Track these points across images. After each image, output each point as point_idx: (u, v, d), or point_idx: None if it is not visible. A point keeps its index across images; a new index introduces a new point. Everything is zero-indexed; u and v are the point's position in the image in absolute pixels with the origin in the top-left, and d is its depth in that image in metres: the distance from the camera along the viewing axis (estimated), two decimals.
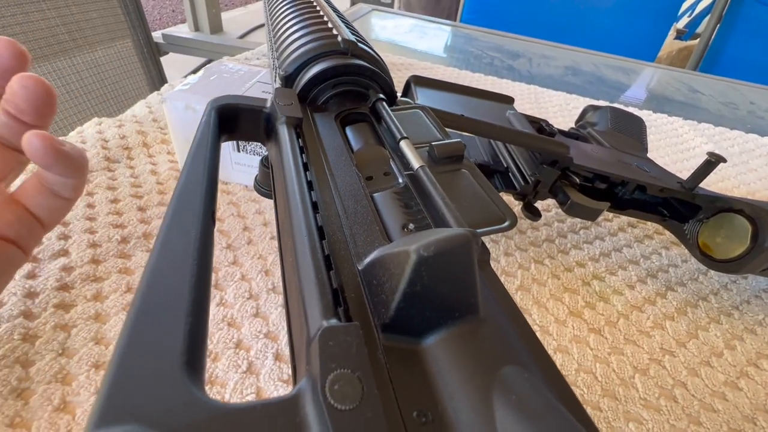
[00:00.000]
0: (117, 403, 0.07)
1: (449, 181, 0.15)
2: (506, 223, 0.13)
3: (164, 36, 0.99)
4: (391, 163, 0.16)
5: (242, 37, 1.44)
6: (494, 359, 0.09)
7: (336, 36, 0.21)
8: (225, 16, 1.55)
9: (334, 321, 0.09)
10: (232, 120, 0.17)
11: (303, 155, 0.15)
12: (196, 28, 1.50)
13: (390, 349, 0.09)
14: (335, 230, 0.12)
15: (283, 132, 0.16)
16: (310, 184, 0.13)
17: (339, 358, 0.08)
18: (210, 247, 0.11)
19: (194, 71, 0.36)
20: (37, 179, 0.19)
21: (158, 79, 0.94)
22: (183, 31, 1.15)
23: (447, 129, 0.22)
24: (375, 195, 0.14)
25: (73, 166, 0.18)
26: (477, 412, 0.08)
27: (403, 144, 0.15)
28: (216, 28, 1.53)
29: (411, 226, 0.13)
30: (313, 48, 0.20)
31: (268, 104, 0.17)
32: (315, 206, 0.13)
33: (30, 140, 0.17)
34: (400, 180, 0.15)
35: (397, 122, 0.17)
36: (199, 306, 0.09)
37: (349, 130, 0.18)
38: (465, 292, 0.09)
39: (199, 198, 0.12)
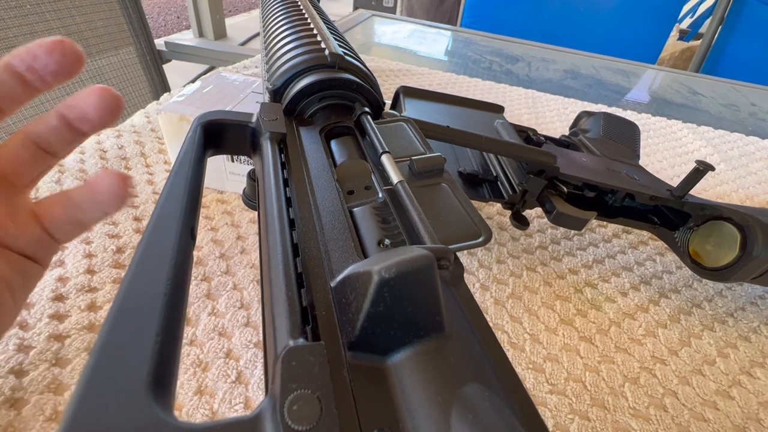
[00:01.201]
0: (80, 422, 0.07)
1: (428, 196, 0.15)
2: (480, 239, 0.13)
3: (167, 44, 1.00)
4: (373, 178, 0.16)
5: (244, 43, 1.45)
6: (457, 377, 0.09)
7: (324, 49, 0.21)
8: (229, 21, 1.57)
9: (300, 340, 0.09)
10: (219, 135, 0.17)
11: (284, 171, 0.15)
12: (201, 34, 1.51)
13: (356, 367, 0.09)
14: (311, 247, 0.12)
15: (267, 147, 0.16)
16: (288, 201, 0.14)
17: (300, 378, 0.08)
18: (187, 265, 0.11)
19: (193, 80, 0.36)
20: (66, 207, 0.18)
21: (161, 87, 0.96)
22: (185, 38, 1.16)
23: (434, 140, 0.22)
24: (354, 210, 0.15)
25: (121, 208, 0.18)
26: (435, 431, 0.08)
27: (383, 158, 0.16)
28: (220, 33, 1.55)
29: (387, 241, 0.13)
30: (300, 62, 0.21)
31: (254, 119, 0.17)
32: (292, 223, 0.13)
33: (110, 183, 0.17)
34: (380, 195, 0.15)
35: (379, 136, 0.17)
36: (171, 325, 0.09)
37: (333, 144, 0.18)
38: (429, 311, 0.09)
39: (178, 216, 0.12)
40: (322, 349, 0.09)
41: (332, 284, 0.11)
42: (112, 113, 0.18)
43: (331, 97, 0.20)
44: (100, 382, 0.08)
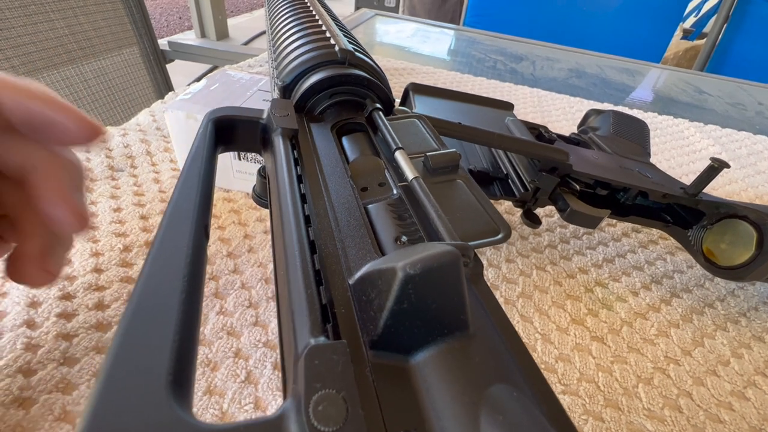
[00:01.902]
0: (100, 422, 0.07)
1: (444, 192, 0.15)
2: (500, 236, 0.13)
3: (170, 43, 1.00)
4: (387, 174, 0.16)
5: (247, 43, 1.45)
6: (483, 377, 0.09)
7: (333, 45, 0.21)
8: (231, 22, 1.57)
9: (322, 339, 0.09)
10: (229, 131, 0.17)
11: (297, 167, 0.15)
12: (203, 35, 1.51)
13: (378, 366, 0.09)
14: (327, 243, 0.12)
15: (279, 143, 0.16)
16: (303, 197, 0.14)
17: (324, 378, 0.08)
18: (202, 263, 0.11)
19: (198, 79, 0.36)
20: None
21: (164, 86, 0.96)
22: (189, 38, 1.16)
23: (445, 137, 0.22)
24: (369, 206, 0.14)
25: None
26: None
27: (397, 154, 0.15)
28: (222, 34, 1.55)
29: (404, 238, 0.13)
30: (310, 58, 0.20)
31: (265, 115, 0.17)
32: (307, 219, 0.13)
33: (66, 219, 0.16)
34: (395, 191, 0.15)
35: (392, 132, 0.17)
36: (189, 323, 0.09)
37: (345, 141, 0.18)
38: (454, 309, 0.09)
39: (192, 213, 0.12)
40: (344, 348, 0.09)
41: (350, 282, 0.11)
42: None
43: (342, 94, 0.20)
44: (120, 381, 0.07)
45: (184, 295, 0.09)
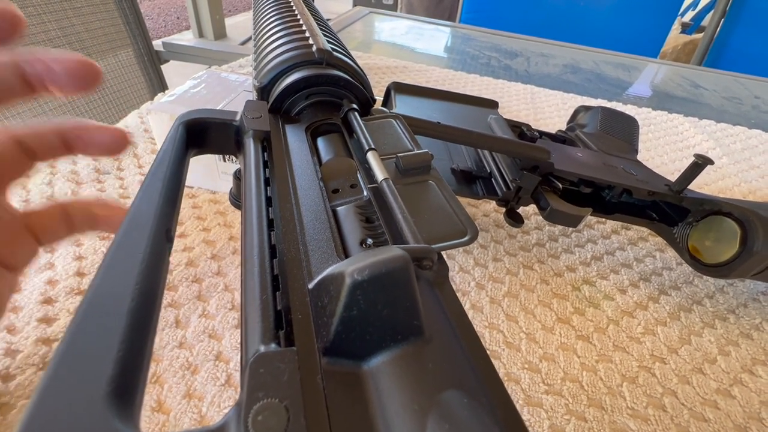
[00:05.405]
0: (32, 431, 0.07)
1: (414, 193, 0.15)
2: (466, 237, 0.13)
3: (164, 44, 1.00)
4: (359, 176, 0.16)
5: (244, 43, 1.44)
6: (435, 383, 0.09)
7: (311, 45, 0.21)
8: (229, 21, 1.56)
9: (272, 346, 0.09)
10: (202, 134, 0.17)
11: (266, 169, 0.15)
12: (200, 35, 1.51)
13: (331, 373, 0.09)
14: (290, 248, 0.12)
15: (249, 146, 0.16)
16: (269, 200, 0.13)
17: (268, 387, 0.08)
18: (160, 268, 0.11)
19: None
20: (64, 217, 0.19)
21: (159, 88, 0.95)
22: (184, 38, 1.16)
23: (427, 137, 0.22)
24: (339, 209, 0.14)
25: None
26: None
27: (369, 155, 0.15)
28: (220, 34, 1.54)
29: (369, 241, 0.13)
30: (287, 58, 0.20)
31: (238, 117, 0.17)
32: (271, 223, 0.12)
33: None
34: (365, 193, 0.15)
35: (366, 133, 0.17)
36: (137, 332, 0.09)
37: (320, 142, 0.18)
38: (406, 314, 0.09)
39: (152, 217, 0.11)
40: (293, 355, 0.08)
41: (309, 286, 0.11)
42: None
43: (319, 94, 0.19)
44: (56, 393, 0.07)
45: (135, 302, 0.09)
